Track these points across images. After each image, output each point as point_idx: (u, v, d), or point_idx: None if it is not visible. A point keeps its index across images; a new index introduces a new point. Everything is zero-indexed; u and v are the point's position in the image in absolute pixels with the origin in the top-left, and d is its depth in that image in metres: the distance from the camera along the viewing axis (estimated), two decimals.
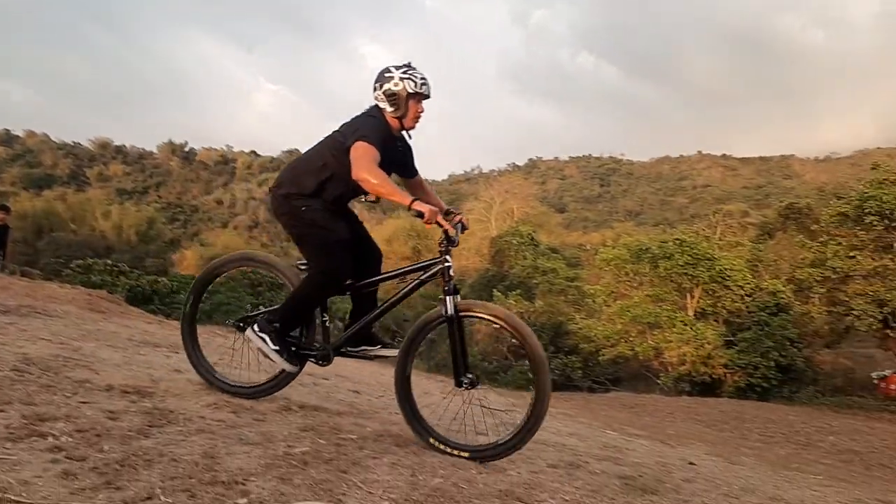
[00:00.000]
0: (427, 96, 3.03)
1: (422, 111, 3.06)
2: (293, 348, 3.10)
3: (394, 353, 3.09)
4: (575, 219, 78.03)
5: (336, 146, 2.99)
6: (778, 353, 18.56)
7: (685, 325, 20.41)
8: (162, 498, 1.83)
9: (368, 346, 3.15)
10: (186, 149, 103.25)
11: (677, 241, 21.66)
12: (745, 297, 21.03)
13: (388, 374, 5.36)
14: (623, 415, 10.77)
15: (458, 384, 2.94)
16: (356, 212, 3.32)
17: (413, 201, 2.73)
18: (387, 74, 2.99)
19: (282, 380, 3.22)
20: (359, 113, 3.07)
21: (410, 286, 3.09)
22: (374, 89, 3.01)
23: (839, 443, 9.64)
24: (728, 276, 20.93)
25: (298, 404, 3.31)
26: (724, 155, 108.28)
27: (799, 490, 4.24)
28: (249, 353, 3.19)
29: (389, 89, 2.96)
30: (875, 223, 16.97)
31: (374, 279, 3.17)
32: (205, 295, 3.44)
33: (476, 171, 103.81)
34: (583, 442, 3.20)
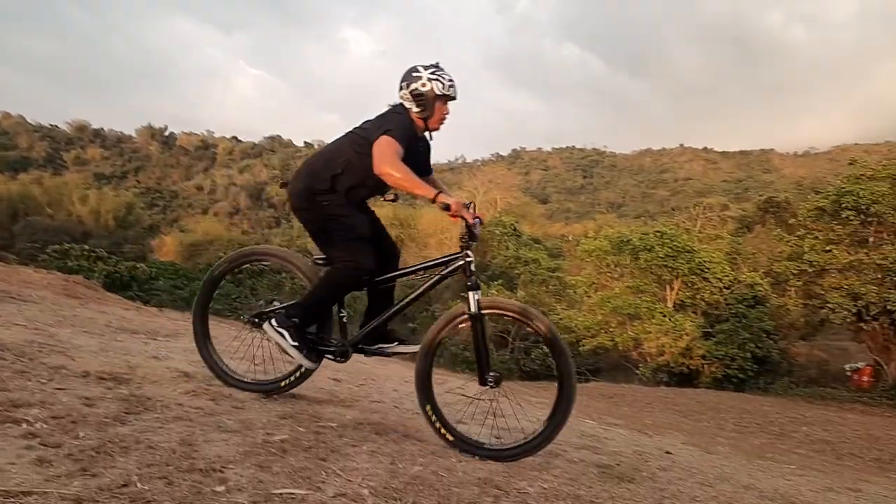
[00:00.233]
0: (454, 98, 2.99)
1: (447, 113, 3.02)
2: (311, 344, 3.04)
3: (411, 349, 3.03)
4: (557, 210, 78.37)
5: (359, 142, 2.92)
6: (754, 345, 18.87)
7: (664, 316, 20.66)
8: (138, 485, 1.81)
9: (385, 343, 3.09)
10: (166, 133, 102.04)
11: (658, 234, 21.88)
12: (724, 290, 21.32)
13: (369, 363, 5.35)
14: (602, 404, 10.88)
15: (483, 382, 2.87)
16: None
17: (437, 194, 2.69)
18: (414, 74, 2.93)
19: (299, 376, 3.16)
20: (383, 111, 3.01)
21: (430, 282, 3.02)
22: (401, 88, 2.96)
23: (812, 433, 9.84)
24: (707, 269, 21.21)
25: None
26: (705, 148, 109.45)
27: (772, 479, 4.32)
28: (262, 350, 3.15)
29: (417, 89, 2.91)
30: (851, 218, 17.25)
31: (392, 275, 3.10)
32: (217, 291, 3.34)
33: (460, 161, 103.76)
34: (561, 431, 3.23)
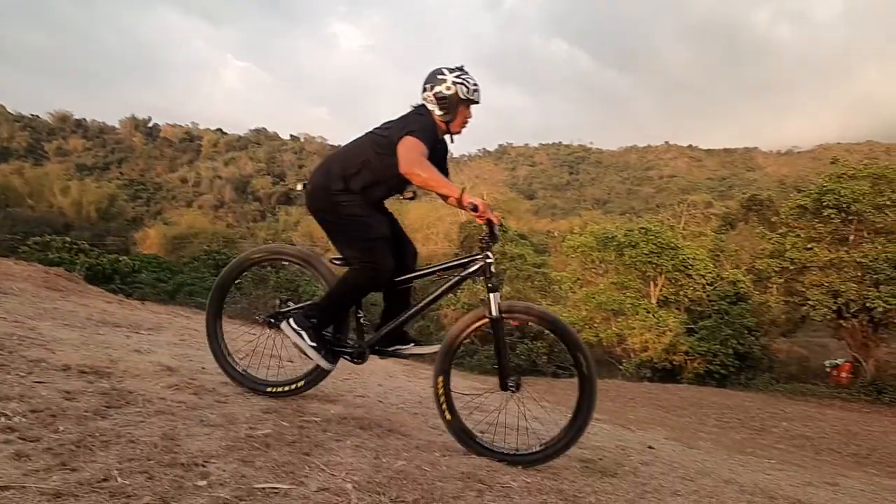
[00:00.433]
0: (477, 102, 2.98)
1: (470, 117, 3.01)
2: (328, 345, 3.01)
3: (428, 349, 3.01)
4: (544, 206, 78.60)
5: (380, 143, 2.89)
6: (736, 341, 19.06)
7: (648, 312, 20.82)
8: (119, 479, 1.79)
9: (401, 344, 3.05)
10: (150, 125, 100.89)
11: (642, 230, 22.01)
12: (707, 286, 21.52)
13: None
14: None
15: (504, 387, 2.84)
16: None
17: (463, 193, 2.68)
18: (439, 76, 2.91)
19: (315, 377, 3.11)
20: (404, 112, 2.99)
21: (448, 284, 2.98)
22: (424, 90, 2.94)
23: (792, 428, 9.97)
24: (690, 266, 21.39)
25: None
26: (690, 146, 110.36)
27: (752, 474, 4.38)
28: (275, 350, 3.13)
29: (441, 92, 2.89)
30: (832, 216, 17.45)
31: (411, 275, 3.06)
32: (231, 290, 3.27)
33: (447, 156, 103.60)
34: (545, 426, 3.24)
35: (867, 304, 16.59)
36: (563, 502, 2.35)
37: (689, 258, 21.41)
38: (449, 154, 3.18)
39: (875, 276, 16.52)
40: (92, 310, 5.33)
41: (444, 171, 3.12)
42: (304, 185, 3.05)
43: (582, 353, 2.72)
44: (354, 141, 3.05)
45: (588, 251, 23.42)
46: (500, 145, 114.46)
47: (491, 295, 2.80)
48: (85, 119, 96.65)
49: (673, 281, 21.71)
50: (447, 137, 3.07)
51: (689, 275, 21.43)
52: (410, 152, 2.72)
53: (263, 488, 1.93)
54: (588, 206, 74.56)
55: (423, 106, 2.97)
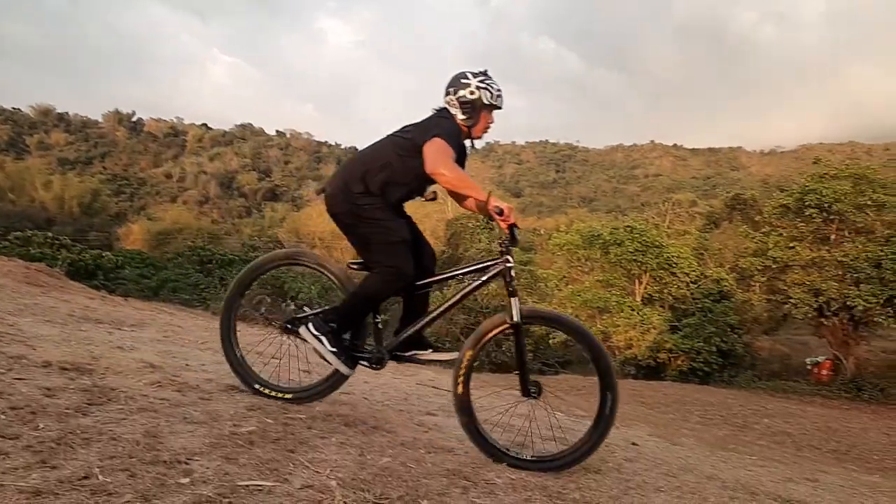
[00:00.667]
0: (500, 108, 2.97)
1: (492, 122, 2.99)
2: (347, 350, 2.97)
3: (447, 356, 2.98)
4: (530, 203, 78.83)
5: (402, 145, 2.87)
6: (719, 339, 19.24)
7: (633, 310, 20.94)
8: (100, 477, 1.78)
9: (419, 350, 3.02)
10: (134, 119, 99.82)
11: (628, 228, 22.15)
12: (691, 284, 21.69)
13: None
14: (570, 397, 10.99)
15: (526, 394, 2.83)
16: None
17: (490, 195, 2.66)
18: (463, 80, 2.90)
19: (334, 382, 3.07)
20: (427, 115, 2.97)
21: (468, 288, 2.95)
22: (447, 93, 2.92)
23: (773, 425, 10.09)
24: (675, 264, 21.55)
25: None
26: (675, 145, 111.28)
27: (734, 470, 4.42)
28: (289, 356, 3.10)
29: (464, 96, 2.88)
30: (814, 216, 17.65)
31: (430, 280, 3.03)
32: (247, 293, 3.20)
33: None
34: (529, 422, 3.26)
35: (848, 303, 16.80)
36: (547, 499, 2.36)
37: (673, 256, 21.58)
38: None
39: (855, 275, 16.73)
40: (74, 306, 5.28)
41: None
42: (322, 190, 3.01)
43: (605, 362, 2.72)
44: (374, 144, 3.03)
45: (574, 249, 23.53)
46: (486, 143, 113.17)
47: (512, 300, 2.77)
48: (68, 113, 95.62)
49: (657, 279, 21.87)
50: (469, 142, 3.05)
51: (673, 273, 21.60)
52: (437, 153, 2.71)
53: (247, 486, 1.92)
54: (574, 204, 74.99)
55: (445, 109, 2.96)
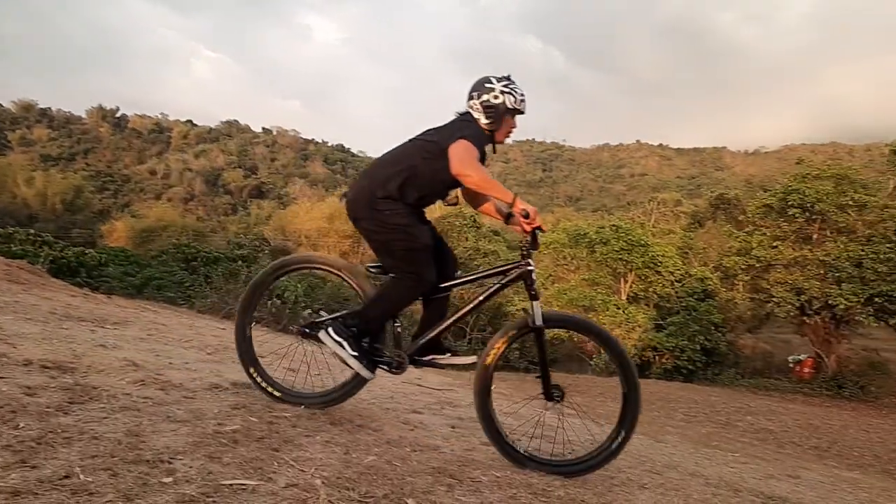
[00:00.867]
0: (523, 113, 2.97)
1: (514, 127, 2.99)
2: (368, 355, 2.95)
3: (466, 360, 2.97)
4: None
5: (427, 148, 2.85)
6: (703, 337, 19.39)
7: (618, 308, 21.07)
8: (81, 477, 1.76)
9: (438, 354, 3.00)
10: (118, 115, 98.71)
11: (614, 227, 22.29)
12: (675, 283, 21.87)
13: (324, 350, 5.28)
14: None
15: (549, 397, 2.84)
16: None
17: (516, 197, 2.65)
18: (487, 85, 2.89)
19: (353, 387, 3.05)
20: (451, 119, 2.97)
21: (488, 292, 2.94)
22: (470, 98, 2.91)
23: (756, 422, 10.19)
24: (660, 263, 21.72)
25: (231, 381, 3.23)
26: (660, 145, 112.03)
27: (717, 467, 4.47)
28: (303, 360, 3.12)
29: (488, 101, 2.87)
30: (797, 215, 17.83)
31: (450, 283, 3.00)
32: (263, 298, 3.19)
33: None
34: (516, 420, 3.27)
35: (829, 302, 16.99)
36: (532, 496, 2.37)
37: (658, 255, 21.74)
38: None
39: (837, 275, 16.92)
40: (56, 303, 5.21)
41: None
42: (345, 195, 3.00)
43: (628, 365, 2.76)
44: (396, 148, 3.00)
45: (560, 248, 23.63)
46: None
47: (533, 303, 2.77)
48: (50, 108, 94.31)
49: (643, 278, 22.02)
50: (490, 146, 3.04)
51: (658, 272, 21.75)
52: (464, 154, 2.70)
53: (231, 485, 1.91)
54: (561, 203, 75.27)
55: (468, 113, 2.95)
